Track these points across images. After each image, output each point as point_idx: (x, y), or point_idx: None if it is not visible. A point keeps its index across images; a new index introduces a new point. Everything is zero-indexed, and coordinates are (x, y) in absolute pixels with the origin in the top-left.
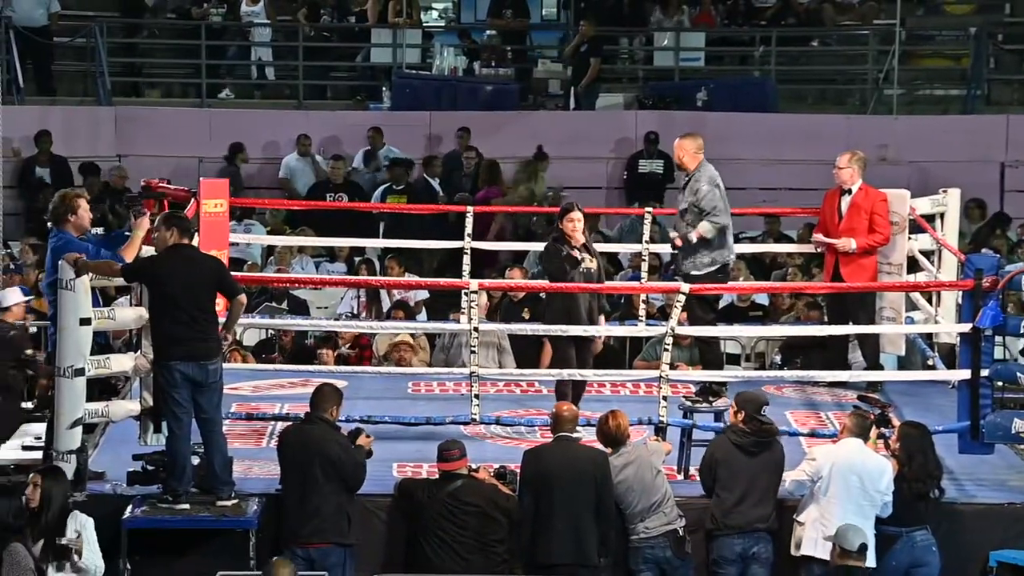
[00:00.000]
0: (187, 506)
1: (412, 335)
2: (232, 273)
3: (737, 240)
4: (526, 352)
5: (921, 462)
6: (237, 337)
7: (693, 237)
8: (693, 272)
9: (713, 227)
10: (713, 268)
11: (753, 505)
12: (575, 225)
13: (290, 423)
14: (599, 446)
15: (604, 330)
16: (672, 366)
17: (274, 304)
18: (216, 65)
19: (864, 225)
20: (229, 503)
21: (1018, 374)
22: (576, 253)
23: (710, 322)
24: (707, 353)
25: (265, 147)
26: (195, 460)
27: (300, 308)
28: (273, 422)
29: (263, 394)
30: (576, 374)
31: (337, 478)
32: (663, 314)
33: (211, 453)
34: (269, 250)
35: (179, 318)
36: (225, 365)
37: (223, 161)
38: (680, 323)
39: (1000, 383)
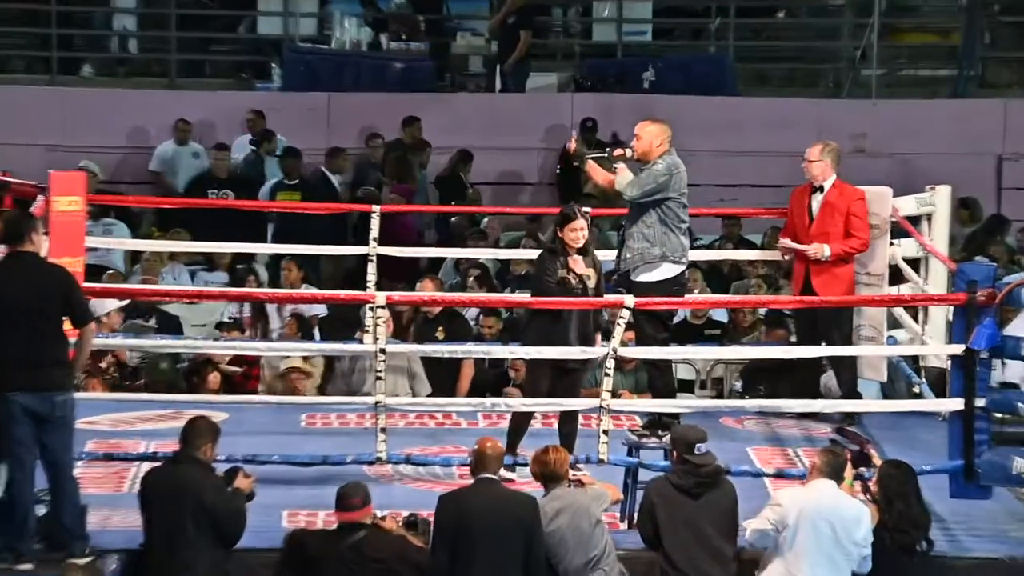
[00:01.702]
0: (30, 566)
1: (305, 357)
2: (90, 284)
3: (691, 246)
4: (441, 378)
5: (902, 508)
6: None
7: (621, 151)
8: (642, 279)
9: (630, 180)
10: (666, 276)
11: (708, 555)
12: (579, 235)
13: (156, 464)
14: (529, 489)
15: (534, 352)
16: (614, 394)
17: (140, 321)
18: (69, 36)
19: (839, 228)
20: (82, 561)
21: (1019, 404)
22: (574, 276)
23: (662, 342)
24: (656, 379)
25: (131, 134)
26: (41, 510)
27: (171, 325)
28: (137, 463)
29: (125, 429)
30: (501, 404)
31: (212, 529)
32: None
33: (60, 501)
34: (134, 256)
35: (17, 340)
36: (78, 395)
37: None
38: (624, 343)
39: (999, 415)
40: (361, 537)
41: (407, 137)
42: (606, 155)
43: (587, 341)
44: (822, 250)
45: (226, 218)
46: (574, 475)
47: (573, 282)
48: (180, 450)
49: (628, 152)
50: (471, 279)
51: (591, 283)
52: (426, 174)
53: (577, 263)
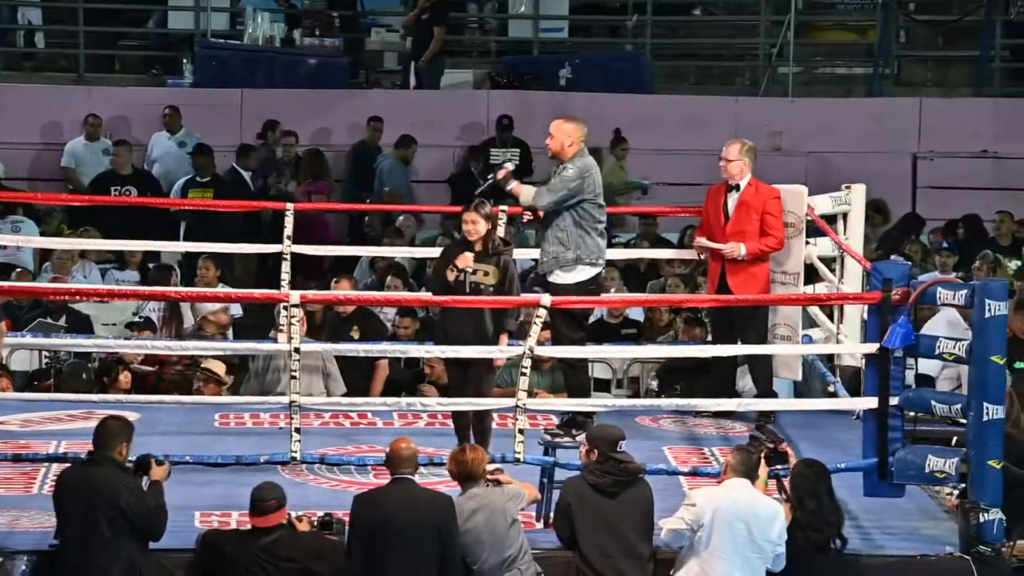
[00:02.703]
0: None
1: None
2: None
3: (608, 244)
4: (356, 378)
5: (814, 507)
6: (2, 361)
7: (504, 171)
8: (559, 280)
9: (533, 195)
10: (582, 278)
11: (624, 555)
12: (469, 228)
13: (69, 464)
14: (444, 488)
15: (450, 351)
16: (530, 393)
17: (50, 320)
18: None
19: (754, 227)
20: None
21: (933, 402)
22: (453, 270)
23: (578, 341)
24: (571, 378)
25: (44, 130)
26: None
27: (82, 325)
28: (47, 464)
29: (35, 429)
30: (417, 403)
31: (127, 530)
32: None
33: None
34: (44, 254)
35: None
36: None
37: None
38: (540, 342)
39: (912, 413)
40: (275, 538)
41: (369, 139)
42: (492, 180)
43: (483, 340)
44: (738, 249)
45: (135, 216)
46: (491, 475)
47: (450, 276)
48: (94, 451)
49: (509, 166)
50: (389, 278)
51: (486, 279)
52: (409, 169)
53: (463, 258)
